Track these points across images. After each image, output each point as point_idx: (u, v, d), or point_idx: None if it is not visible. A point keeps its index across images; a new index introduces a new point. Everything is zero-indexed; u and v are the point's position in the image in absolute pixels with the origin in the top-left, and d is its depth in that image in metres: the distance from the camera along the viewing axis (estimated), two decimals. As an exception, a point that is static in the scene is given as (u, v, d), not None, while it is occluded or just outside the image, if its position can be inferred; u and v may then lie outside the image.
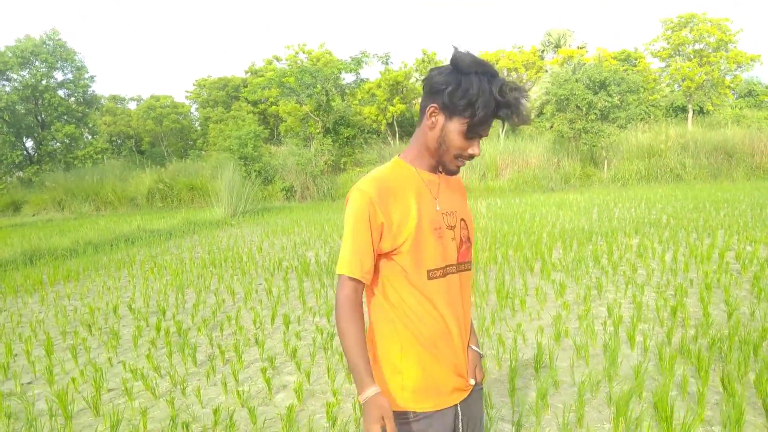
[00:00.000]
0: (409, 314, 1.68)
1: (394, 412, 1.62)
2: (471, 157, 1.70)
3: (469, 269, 1.85)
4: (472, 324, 1.92)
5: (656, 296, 5.77)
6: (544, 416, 3.36)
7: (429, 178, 1.75)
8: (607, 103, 21.54)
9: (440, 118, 1.65)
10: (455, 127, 1.64)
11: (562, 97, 22.17)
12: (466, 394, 1.79)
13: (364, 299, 1.70)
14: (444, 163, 1.72)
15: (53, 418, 3.66)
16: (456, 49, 1.64)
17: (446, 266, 1.72)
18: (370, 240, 1.63)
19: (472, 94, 1.57)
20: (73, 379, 4.26)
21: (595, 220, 11.72)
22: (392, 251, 1.66)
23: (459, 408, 1.76)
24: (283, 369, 4.50)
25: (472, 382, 1.81)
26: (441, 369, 1.71)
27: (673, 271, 6.78)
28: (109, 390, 4.26)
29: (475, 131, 1.64)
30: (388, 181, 1.68)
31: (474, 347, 1.86)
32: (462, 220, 1.81)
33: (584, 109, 21.82)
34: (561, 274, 7.02)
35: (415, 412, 1.67)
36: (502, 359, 4.30)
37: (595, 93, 21.72)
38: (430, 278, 1.69)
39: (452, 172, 1.75)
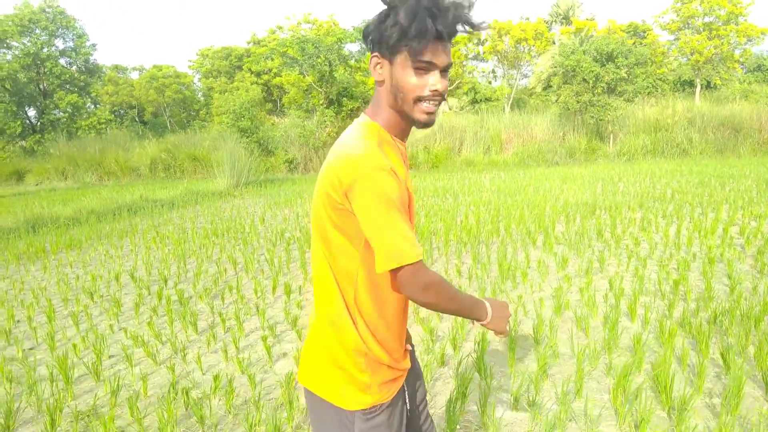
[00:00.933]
0: (388, 300, 1.55)
1: (360, 410, 1.53)
2: (436, 94, 1.43)
3: None
4: None
5: (659, 270, 5.75)
6: (543, 386, 3.36)
7: (403, 151, 1.56)
8: (614, 76, 21.27)
9: (386, 66, 1.44)
10: (400, 66, 1.41)
11: (569, 69, 21.89)
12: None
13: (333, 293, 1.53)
14: (410, 115, 1.47)
15: (54, 383, 3.68)
16: None
17: None
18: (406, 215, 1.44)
19: (402, 18, 1.34)
20: (74, 345, 4.28)
21: (599, 194, 11.66)
22: None
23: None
24: (284, 337, 4.51)
25: (410, 347, 1.74)
26: (399, 346, 1.62)
27: (677, 245, 6.75)
28: (110, 356, 4.28)
29: (420, 59, 1.38)
30: (387, 152, 1.46)
31: None
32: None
33: (591, 81, 21.56)
34: (563, 247, 6.99)
35: (381, 404, 1.55)
36: (502, 330, 4.31)
37: (603, 65, 21.44)
38: None
39: (424, 122, 1.47)
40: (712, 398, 3.17)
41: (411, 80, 1.41)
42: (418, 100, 1.43)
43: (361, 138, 1.46)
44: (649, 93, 26.61)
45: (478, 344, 3.69)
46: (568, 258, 6.26)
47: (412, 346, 1.79)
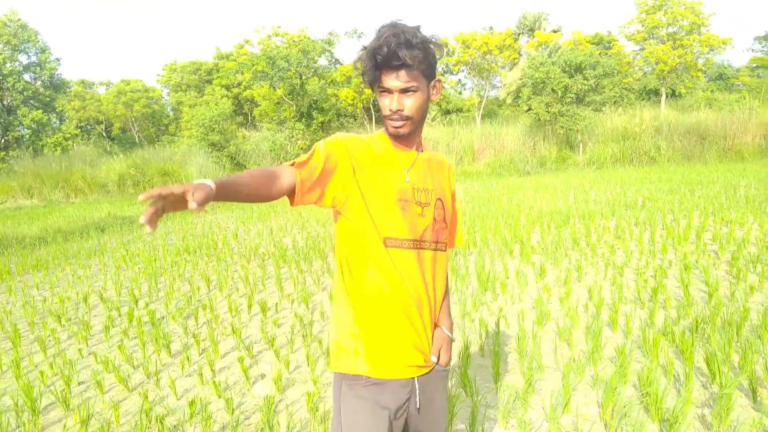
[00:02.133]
0: (367, 281, 1.69)
1: (347, 375, 1.72)
2: (393, 113, 1.67)
3: (443, 250, 1.82)
4: (448, 307, 1.90)
5: (636, 277, 5.75)
6: (530, 401, 3.30)
7: (403, 152, 1.77)
8: (582, 87, 21.60)
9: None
10: (377, 93, 1.70)
11: (538, 80, 22.17)
12: (425, 371, 1.76)
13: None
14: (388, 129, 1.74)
15: (19, 414, 3.50)
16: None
17: (412, 240, 1.70)
18: (323, 163, 1.63)
19: (363, 61, 1.67)
20: (42, 372, 4.09)
21: (572, 202, 11.74)
22: (339, 206, 1.69)
23: (417, 383, 1.74)
24: (261, 358, 4.38)
25: (434, 359, 1.79)
26: (397, 340, 1.71)
27: (652, 253, 6.79)
28: (80, 383, 4.10)
29: (379, 86, 1.66)
30: (361, 139, 1.75)
31: (444, 329, 1.84)
32: (438, 200, 1.79)
33: (560, 92, 21.86)
34: (540, 257, 6.98)
35: (367, 377, 1.69)
36: (485, 344, 4.24)
37: (571, 76, 21.76)
38: (386, 246, 1.67)
39: (392, 134, 1.73)
40: (701, 408, 3.13)
41: (380, 103, 1.69)
42: (386, 117, 1.70)
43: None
44: (615, 102, 27.07)
45: (462, 359, 3.62)
46: (546, 267, 6.24)
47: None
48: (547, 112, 22.52)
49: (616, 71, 25.33)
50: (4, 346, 5.08)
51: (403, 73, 1.61)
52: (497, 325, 4.37)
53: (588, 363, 3.77)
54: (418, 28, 1.64)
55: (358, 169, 1.67)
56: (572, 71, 21.87)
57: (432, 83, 1.71)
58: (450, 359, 1.87)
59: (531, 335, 4.27)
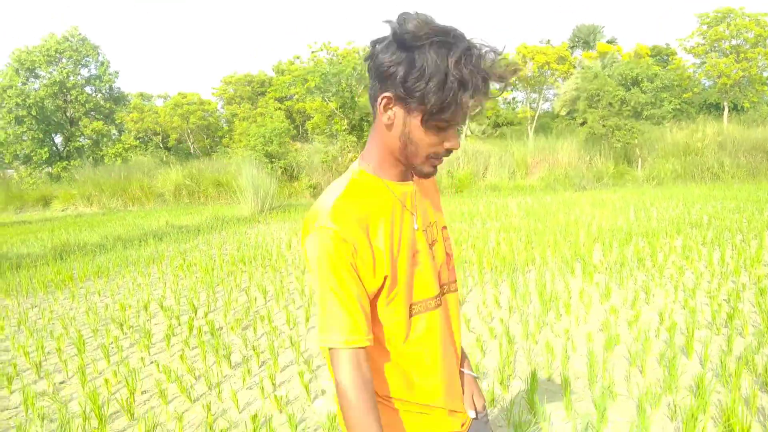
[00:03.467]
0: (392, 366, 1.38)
1: None
2: (449, 152, 1.32)
3: (456, 289, 1.56)
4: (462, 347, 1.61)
5: (709, 301, 5.48)
6: (604, 430, 3.13)
7: (402, 190, 1.39)
8: (640, 100, 21.05)
9: (399, 112, 1.26)
10: (417, 119, 1.25)
11: (593, 93, 21.72)
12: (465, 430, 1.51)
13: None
14: (415, 167, 1.34)
15: (87, 421, 3.53)
16: (401, 15, 1.22)
17: (434, 296, 1.40)
18: (360, 289, 1.26)
19: (428, 75, 1.17)
20: (106, 380, 4.14)
21: (633, 220, 11.37)
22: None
23: None
24: (321, 373, 4.32)
25: (472, 414, 1.55)
26: (431, 417, 1.43)
27: (724, 275, 6.46)
28: (143, 392, 4.13)
29: (441, 117, 1.23)
30: (353, 207, 1.29)
31: (467, 371, 1.59)
32: (444, 228, 1.54)
33: (616, 106, 21.35)
34: (604, 276, 6.74)
35: None
36: (552, 367, 4.07)
37: (628, 89, 21.25)
38: (411, 315, 1.36)
39: (427, 175, 1.37)
40: (793, 447, 2.91)
41: (430, 139, 1.28)
42: (432, 156, 1.32)
43: (332, 192, 1.35)
44: (675, 117, 26.28)
45: (529, 383, 3.48)
46: (611, 288, 6.01)
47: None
48: (603, 125, 22.02)
49: (675, 84, 24.63)
50: (69, 352, 5.18)
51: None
52: (565, 348, 4.21)
53: (664, 392, 3.57)
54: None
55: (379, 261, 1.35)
56: (629, 84, 21.35)
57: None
58: (484, 401, 1.62)
59: (600, 360, 4.09)
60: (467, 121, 34.54)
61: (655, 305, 5.54)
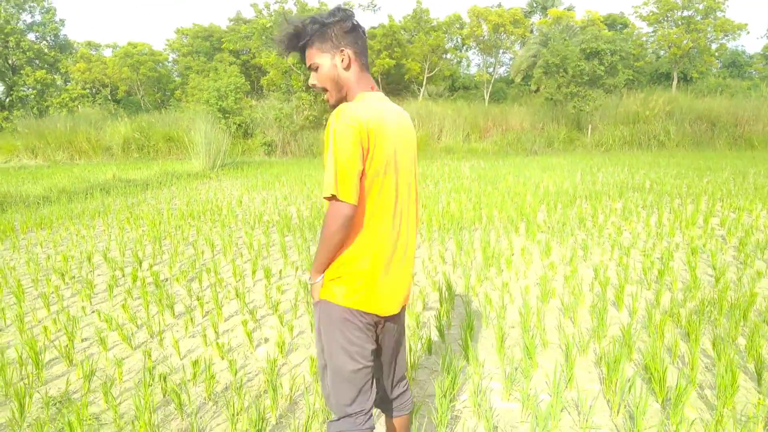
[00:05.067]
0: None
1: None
2: (312, 87, 2.01)
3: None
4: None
5: (643, 259, 5.72)
6: (533, 374, 3.29)
7: None
8: (598, 71, 21.37)
9: None
10: None
11: (556, 63, 21.90)
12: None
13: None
14: None
15: (23, 367, 3.50)
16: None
17: None
18: None
19: None
20: (45, 328, 4.09)
21: (579, 183, 11.68)
22: None
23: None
24: (265, 322, 4.38)
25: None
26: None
27: (659, 235, 6.75)
28: (83, 340, 4.10)
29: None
30: None
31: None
32: None
33: (575, 74, 21.64)
34: (546, 236, 6.95)
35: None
36: (489, 317, 4.22)
37: (587, 59, 21.53)
38: None
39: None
40: (704, 390, 3.12)
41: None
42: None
43: None
44: (626, 85, 26.84)
45: (465, 331, 3.61)
46: (552, 246, 6.20)
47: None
48: (559, 92, 22.33)
49: (631, 56, 25.08)
50: (8, 300, 5.08)
51: (305, 56, 1.97)
52: (502, 299, 4.36)
53: (592, 340, 3.76)
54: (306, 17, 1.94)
55: None
56: (590, 55, 21.62)
57: (334, 53, 1.92)
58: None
59: (535, 311, 4.26)
60: (423, 86, 34.40)
61: (591, 262, 5.77)
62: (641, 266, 5.47)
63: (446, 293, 4.60)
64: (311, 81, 1.96)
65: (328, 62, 1.92)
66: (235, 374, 3.30)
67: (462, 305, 4.56)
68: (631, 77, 27.86)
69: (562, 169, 14.58)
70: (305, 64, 1.97)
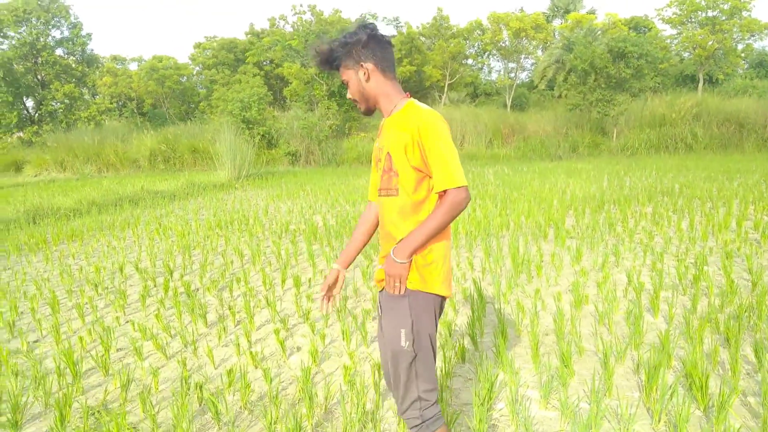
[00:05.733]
0: None
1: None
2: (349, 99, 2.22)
3: (391, 195, 2.10)
4: (405, 239, 2.02)
5: (676, 264, 5.63)
6: (570, 383, 3.24)
7: (382, 122, 2.20)
8: (623, 74, 21.16)
9: None
10: None
11: (585, 69, 21.68)
12: (381, 287, 2.15)
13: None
14: None
15: (61, 377, 3.55)
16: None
17: (379, 189, 2.15)
18: None
19: None
20: (81, 338, 4.15)
21: (606, 188, 11.54)
22: None
23: (379, 295, 2.18)
24: (297, 331, 4.39)
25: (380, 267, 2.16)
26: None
27: (691, 240, 6.63)
28: (118, 349, 4.15)
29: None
30: None
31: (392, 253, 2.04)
32: (387, 153, 2.08)
33: (601, 80, 21.47)
34: (576, 241, 6.87)
35: None
36: (522, 325, 4.18)
37: (613, 61, 21.37)
38: (378, 196, 2.18)
39: (363, 113, 2.23)
40: (747, 397, 3.05)
41: None
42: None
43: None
44: (651, 88, 26.54)
45: (499, 339, 3.57)
46: (582, 251, 6.13)
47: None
48: (584, 99, 22.16)
49: (658, 59, 24.82)
50: (44, 311, 5.17)
51: (338, 73, 2.18)
52: (534, 306, 4.31)
53: (629, 347, 3.69)
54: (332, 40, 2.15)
55: None
56: (616, 57, 21.44)
57: (357, 69, 2.10)
58: (391, 285, 2.04)
59: (569, 318, 4.20)
60: (445, 93, 34.41)
61: (623, 267, 5.68)
62: (675, 271, 5.38)
63: (477, 301, 4.57)
64: (348, 95, 2.20)
65: (353, 77, 2.11)
66: (270, 383, 3.30)
67: (493, 312, 4.52)
68: (660, 82, 27.55)
69: (587, 174, 14.44)
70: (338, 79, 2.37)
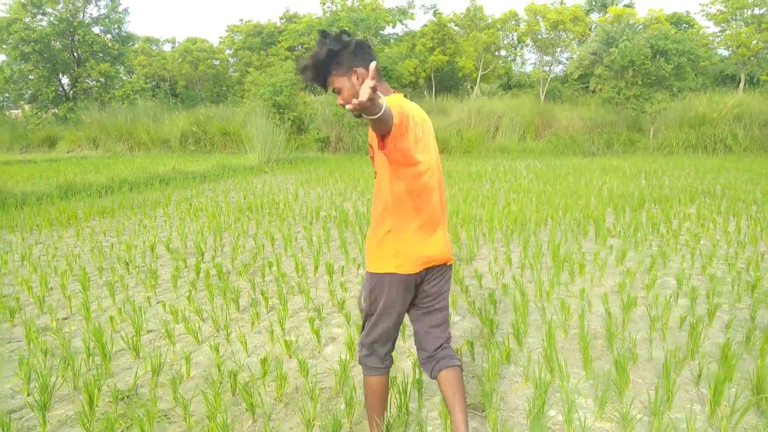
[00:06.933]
0: None
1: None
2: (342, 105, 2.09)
3: (375, 179, 2.25)
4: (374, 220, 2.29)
5: (727, 268, 5.36)
6: (625, 392, 3.03)
7: None
8: (663, 72, 20.57)
9: None
10: None
11: (625, 65, 21.11)
12: None
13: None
14: None
15: (90, 357, 3.45)
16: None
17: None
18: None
19: None
20: (111, 318, 4.05)
21: (645, 186, 11.19)
22: None
23: None
24: (331, 321, 4.23)
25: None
26: None
27: (740, 244, 6.33)
28: (149, 331, 4.05)
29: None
30: None
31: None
32: (370, 144, 2.21)
33: (639, 77, 20.92)
34: (618, 240, 6.61)
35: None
36: (567, 326, 3.96)
37: (653, 57, 20.79)
38: None
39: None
40: (822, 417, 2.81)
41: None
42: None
43: None
44: (691, 88, 25.82)
45: (547, 341, 3.38)
46: (626, 252, 5.87)
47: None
48: (619, 94, 21.62)
49: (700, 58, 24.11)
50: (73, 288, 5.10)
51: (328, 85, 2.22)
52: (582, 308, 4.10)
53: (687, 357, 3.46)
54: (322, 51, 2.15)
55: None
56: (656, 54, 20.85)
57: (349, 74, 2.15)
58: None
59: (620, 322, 3.97)
60: (477, 84, 33.95)
61: (671, 270, 5.43)
62: (726, 276, 5.11)
63: (519, 298, 4.37)
64: (338, 101, 2.17)
65: (346, 83, 2.16)
66: (306, 376, 3.16)
67: (536, 311, 4.32)
68: (701, 82, 26.79)
69: (623, 172, 14.05)
70: (327, 91, 2.27)
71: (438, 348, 2.37)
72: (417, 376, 3.03)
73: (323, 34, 2.19)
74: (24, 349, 3.74)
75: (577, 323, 3.90)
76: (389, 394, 2.57)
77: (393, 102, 1.98)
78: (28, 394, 3.10)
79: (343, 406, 2.88)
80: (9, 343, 3.90)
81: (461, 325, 4.10)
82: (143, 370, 3.37)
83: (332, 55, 2.13)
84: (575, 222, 7.59)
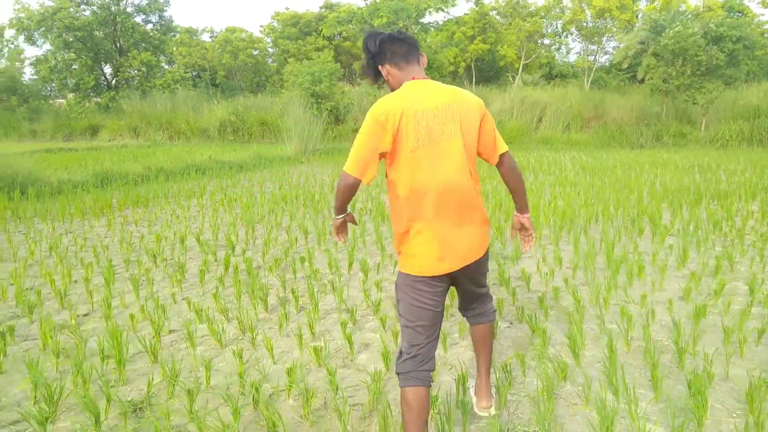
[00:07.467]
0: None
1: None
2: None
3: None
4: None
5: (805, 274, 4.83)
6: (704, 421, 2.61)
7: None
8: (717, 61, 19.56)
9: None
10: None
11: (676, 50, 20.13)
12: None
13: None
14: None
15: (104, 362, 3.19)
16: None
17: None
18: None
19: None
20: (132, 316, 3.79)
21: (700, 180, 10.53)
22: None
23: None
24: (364, 324, 3.90)
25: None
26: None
27: (815, 246, 5.75)
28: (170, 332, 3.77)
29: None
30: None
31: None
32: None
33: (688, 66, 19.95)
34: (678, 239, 6.10)
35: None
36: (629, 338, 3.53)
37: (706, 45, 19.79)
38: None
39: None
40: None
41: None
42: None
43: None
44: (745, 78, 24.59)
45: (609, 356, 2.97)
46: (688, 252, 5.37)
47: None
48: (666, 83, 20.67)
49: (757, 45, 22.89)
50: (96, 282, 4.87)
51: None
52: (646, 318, 3.66)
53: (771, 377, 3.01)
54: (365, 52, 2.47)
55: None
56: (710, 41, 19.83)
57: (383, 70, 2.41)
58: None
59: (690, 336, 3.52)
60: (519, 74, 33.16)
61: (740, 274, 4.92)
62: (805, 283, 4.59)
63: (573, 305, 3.96)
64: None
65: (386, 75, 2.41)
66: (336, 389, 2.82)
67: (592, 320, 3.89)
68: (754, 69, 25.51)
69: (675, 165, 13.34)
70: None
71: (474, 306, 2.57)
72: (461, 396, 2.67)
73: (364, 44, 2.44)
74: (36, 351, 3.51)
75: (640, 334, 3.48)
76: (429, 414, 2.23)
77: (356, 148, 2.32)
78: (35, 402, 2.85)
79: (377, 429, 2.54)
80: (25, 341, 3.67)
81: (509, 334, 3.71)
82: (159, 377, 3.08)
83: (370, 57, 2.41)
84: (629, 218, 7.09)
